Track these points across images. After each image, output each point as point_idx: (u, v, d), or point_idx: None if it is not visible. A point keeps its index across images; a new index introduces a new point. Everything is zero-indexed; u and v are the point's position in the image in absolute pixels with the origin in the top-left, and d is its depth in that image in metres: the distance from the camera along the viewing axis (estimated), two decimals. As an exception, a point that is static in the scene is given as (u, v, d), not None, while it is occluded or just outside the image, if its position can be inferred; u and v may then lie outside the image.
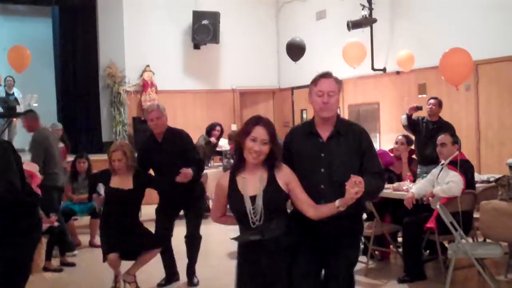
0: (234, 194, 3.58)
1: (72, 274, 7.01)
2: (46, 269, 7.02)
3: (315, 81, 3.84)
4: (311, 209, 3.59)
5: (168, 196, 6.13)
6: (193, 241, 6.25)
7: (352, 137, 3.80)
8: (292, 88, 14.16)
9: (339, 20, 11.48)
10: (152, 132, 6.15)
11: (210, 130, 10.65)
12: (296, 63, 11.83)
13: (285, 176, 3.60)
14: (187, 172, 5.71)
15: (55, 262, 7.19)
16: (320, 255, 3.75)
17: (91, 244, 8.10)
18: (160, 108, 6.06)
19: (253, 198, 3.52)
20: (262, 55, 14.36)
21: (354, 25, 10.80)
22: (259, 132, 3.52)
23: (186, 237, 6.24)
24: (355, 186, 3.38)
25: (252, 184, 3.56)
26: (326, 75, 3.84)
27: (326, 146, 3.77)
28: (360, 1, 10.90)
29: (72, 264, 7.24)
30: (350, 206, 3.49)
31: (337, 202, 3.48)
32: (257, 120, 3.59)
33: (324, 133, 3.81)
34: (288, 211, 3.76)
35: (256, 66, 14.14)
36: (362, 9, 10.89)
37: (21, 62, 10.50)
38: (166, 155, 5.92)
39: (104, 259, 5.82)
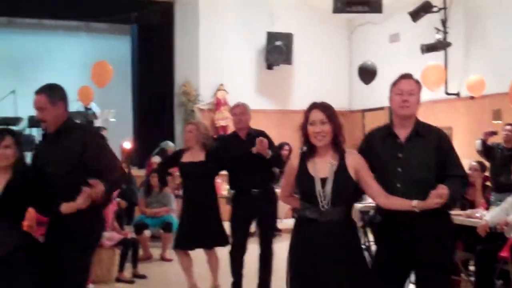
0: (303, 175, 3.63)
1: (143, 286, 7.20)
2: (118, 279, 7.22)
3: (395, 82, 3.87)
4: (382, 197, 3.63)
5: (242, 201, 6.13)
6: (266, 250, 6.16)
7: (431, 138, 3.81)
8: (363, 111, 14.11)
9: (413, 43, 11.41)
10: (232, 133, 6.34)
11: (279, 149, 10.69)
12: (368, 86, 11.83)
13: (355, 162, 3.63)
14: (262, 140, 5.75)
15: (127, 273, 7.39)
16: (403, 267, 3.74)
17: (162, 258, 8.28)
18: (246, 106, 6.22)
19: (323, 180, 3.54)
20: (333, 77, 14.37)
21: (428, 48, 10.73)
22: (316, 114, 3.62)
23: (260, 245, 6.19)
24: (439, 197, 3.38)
25: (322, 167, 3.59)
26: (406, 76, 3.88)
27: (404, 147, 3.79)
28: (434, 24, 10.83)
29: (144, 277, 7.42)
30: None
31: (414, 202, 3.50)
32: (312, 105, 3.70)
33: (402, 133, 3.82)
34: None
35: (328, 88, 14.10)
36: (437, 33, 10.81)
37: (103, 77, 10.87)
38: (248, 151, 5.91)
39: (175, 247, 6.09)
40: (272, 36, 13.39)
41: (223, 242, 6.13)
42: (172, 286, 6.78)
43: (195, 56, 13.32)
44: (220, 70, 13.35)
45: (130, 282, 7.24)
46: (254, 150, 5.78)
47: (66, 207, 3.78)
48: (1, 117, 11.70)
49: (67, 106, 4.30)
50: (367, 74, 11.98)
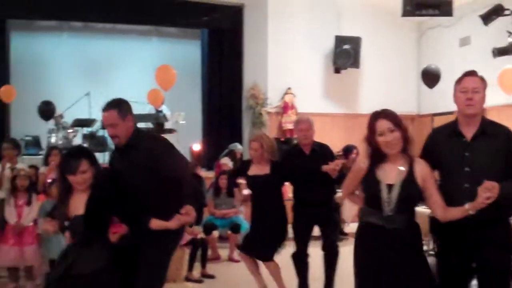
0: (371, 179, 3.63)
1: (211, 285, 7.36)
2: (187, 279, 7.41)
3: (459, 80, 3.83)
4: (440, 210, 3.61)
5: (304, 210, 6.21)
6: (331, 249, 6.25)
7: (499, 137, 3.73)
8: (433, 115, 13.93)
9: (484, 46, 11.24)
10: (297, 143, 6.38)
11: (347, 152, 10.75)
12: (438, 90, 11.70)
13: (423, 172, 3.61)
14: (337, 163, 5.81)
15: (196, 273, 7.57)
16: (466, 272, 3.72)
17: (230, 259, 8.42)
18: (310, 121, 6.26)
19: (389, 187, 3.54)
20: (402, 81, 14.28)
21: (500, 52, 10.53)
22: (382, 124, 3.59)
23: (323, 250, 6.28)
24: (487, 191, 3.32)
25: (390, 173, 3.58)
26: (471, 73, 3.84)
27: (470, 145, 3.74)
28: (507, 27, 10.62)
29: (212, 276, 7.59)
30: (494, 210, 3.41)
31: (467, 205, 3.45)
32: (376, 115, 3.67)
33: (468, 132, 3.77)
34: None
35: (396, 91, 14.04)
36: (508, 36, 10.60)
37: (167, 80, 11.15)
38: (312, 167, 5.99)
39: (240, 248, 6.31)
40: (340, 40, 13.41)
41: (267, 258, 6.15)
42: (240, 286, 6.90)
43: (263, 60, 13.47)
44: (288, 73, 13.46)
45: (199, 281, 7.41)
46: (325, 168, 5.82)
47: (156, 225, 3.92)
48: (76, 119, 12.16)
49: (134, 118, 4.40)
50: (430, 77, 11.89)
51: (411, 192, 3.57)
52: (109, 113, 4.21)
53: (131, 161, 4.18)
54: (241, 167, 6.59)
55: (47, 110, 12.38)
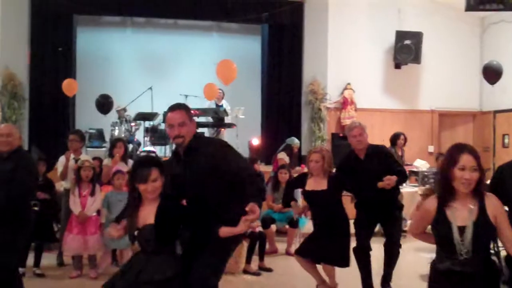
0: (441, 222, 3.46)
1: (269, 278, 7.38)
2: (245, 271, 7.47)
3: None
4: None
5: (366, 208, 6.20)
6: (393, 249, 6.25)
7: None
8: (495, 112, 13.67)
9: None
10: (352, 149, 6.32)
11: (394, 139, 10.79)
12: (500, 86, 11.47)
13: (495, 208, 3.44)
14: (391, 178, 5.79)
15: (254, 265, 7.65)
16: None
17: (288, 253, 8.46)
18: (362, 126, 6.21)
19: (461, 229, 3.38)
20: (463, 77, 14.03)
21: None
22: (467, 159, 3.39)
23: (385, 244, 6.27)
24: None
25: (461, 214, 3.42)
26: None
27: None
28: None
29: (270, 270, 7.64)
30: None
31: None
32: (462, 148, 3.46)
33: None
34: None
35: (457, 88, 13.85)
36: None
37: (228, 75, 11.27)
38: (369, 171, 6.00)
39: (296, 252, 6.23)
40: (401, 35, 13.29)
41: (343, 263, 6.09)
42: (298, 280, 6.93)
43: (323, 55, 13.48)
44: (347, 69, 13.45)
45: (257, 274, 7.47)
46: (380, 185, 5.83)
47: (225, 232, 3.95)
48: (139, 112, 12.43)
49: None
50: (492, 74, 11.68)
51: (485, 232, 3.41)
52: (179, 112, 4.26)
53: (193, 164, 4.20)
54: (298, 180, 6.56)
55: (105, 104, 12.73)
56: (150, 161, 4.07)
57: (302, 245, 6.29)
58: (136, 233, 3.91)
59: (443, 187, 3.50)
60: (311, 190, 6.10)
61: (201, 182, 4.12)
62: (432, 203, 3.54)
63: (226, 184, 4.12)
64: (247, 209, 3.88)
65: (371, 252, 6.23)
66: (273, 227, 8.80)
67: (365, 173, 6.02)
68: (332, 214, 6.05)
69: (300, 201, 8.19)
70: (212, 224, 3.98)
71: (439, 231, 3.48)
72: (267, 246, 8.19)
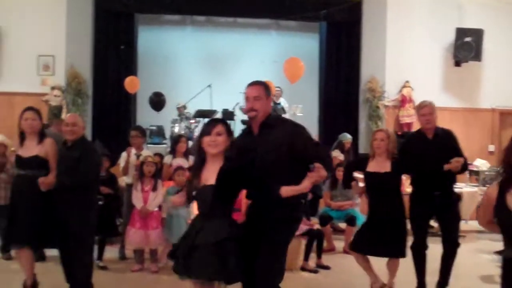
0: (501, 209, 3.40)
1: (326, 276, 7.41)
2: (303, 268, 7.53)
3: None
4: None
5: (422, 200, 6.13)
6: (451, 247, 6.13)
7: None
8: (557, 111, 13.34)
9: None
10: (419, 129, 6.31)
11: None
12: None
13: None
14: (459, 160, 5.75)
15: (311, 263, 7.69)
16: None
17: (345, 251, 8.46)
18: (432, 105, 6.19)
19: None
20: (526, 75, 13.72)
21: None
22: None
23: (443, 242, 6.17)
24: None
25: None
26: None
27: None
28: None
29: (327, 267, 7.67)
30: None
31: None
32: None
33: None
34: None
35: (520, 86, 13.57)
36: None
37: (295, 72, 11.31)
38: (435, 151, 5.95)
39: (351, 248, 6.24)
40: (461, 32, 13.07)
41: (400, 254, 6.05)
42: (355, 278, 6.92)
43: (381, 53, 13.38)
44: (406, 66, 13.29)
45: (314, 271, 7.51)
46: (446, 167, 5.78)
47: (287, 191, 3.90)
48: (198, 110, 12.62)
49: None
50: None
51: None
52: (257, 86, 4.37)
53: (267, 140, 4.23)
54: (359, 161, 6.56)
55: (158, 101, 12.99)
56: (218, 119, 4.30)
57: (356, 239, 6.28)
58: (194, 193, 4.02)
59: (505, 173, 3.47)
60: (373, 171, 6.08)
61: (271, 158, 4.14)
62: (493, 189, 3.50)
63: (296, 164, 4.14)
64: (313, 168, 3.90)
65: (427, 251, 6.19)
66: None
67: (431, 153, 5.97)
68: (391, 199, 6.02)
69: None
70: (273, 185, 3.95)
71: (501, 219, 3.44)
72: (325, 244, 8.22)
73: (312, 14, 13.64)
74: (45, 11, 12.40)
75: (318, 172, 3.90)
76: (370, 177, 6.11)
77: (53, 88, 12.21)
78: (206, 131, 4.03)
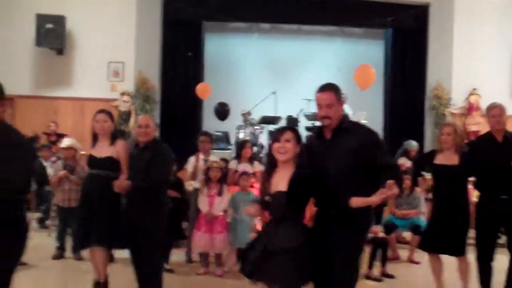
0: None
1: (391, 285, 7.33)
2: (367, 277, 7.46)
3: None
4: None
5: (489, 207, 5.96)
6: None
7: None
8: None
9: None
10: (489, 131, 6.14)
11: None
12: None
13: None
14: None
15: (376, 271, 7.62)
16: None
17: (410, 260, 8.36)
18: (502, 106, 6.02)
19: None
20: None
21: None
22: None
23: (510, 252, 5.96)
24: None
25: None
26: None
27: None
28: None
29: (392, 276, 7.57)
30: None
31: None
32: None
33: None
34: None
35: None
36: None
37: (366, 79, 11.26)
38: (506, 155, 5.81)
39: (420, 247, 6.23)
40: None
41: (458, 252, 5.98)
42: None
43: (448, 59, 13.20)
44: (473, 73, 13.07)
45: (379, 280, 7.42)
46: None
47: (357, 202, 3.92)
48: (263, 116, 12.73)
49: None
50: None
51: None
52: (328, 93, 4.26)
53: (339, 145, 4.20)
54: (427, 155, 6.48)
55: (222, 111, 13.17)
56: (288, 126, 4.35)
57: (424, 238, 6.27)
58: (267, 198, 4.06)
59: None
60: (440, 164, 6.01)
61: (343, 166, 4.09)
62: None
63: (366, 172, 4.12)
64: (386, 185, 3.85)
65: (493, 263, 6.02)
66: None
67: (499, 156, 5.84)
68: (457, 194, 5.96)
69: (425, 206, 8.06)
70: (344, 195, 3.96)
71: None
72: (389, 252, 8.15)
73: (378, 21, 13.59)
74: (115, 20, 12.78)
75: (390, 189, 3.86)
76: (438, 169, 6.06)
77: (122, 94, 12.58)
78: (275, 137, 4.10)
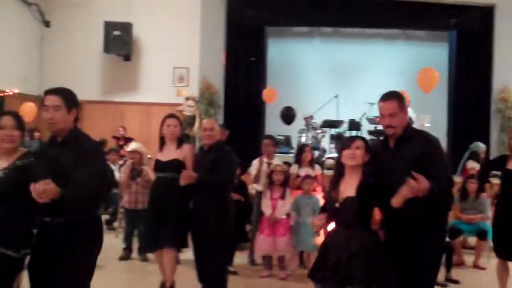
0: None
1: (456, 291, 7.26)
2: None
3: None
4: None
5: None
6: None
7: None
8: None
9: None
10: None
11: None
12: None
13: None
14: None
15: (440, 276, 7.46)
16: None
17: (475, 265, 8.23)
18: None
19: None
20: None
21: None
22: None
23: None
24: None
25: None
26: None
27: None
28: None
29: (457, 282, 7.44)
30: None
31: None
32: None
33: None
34: None
35: None
36: None
37: (429, 82, 11.09)
38: None
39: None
40: None
41: None
42: (487, 295, 6.75)
43: (516, 62, 12.92)
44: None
45: (443, 285, 7.29)
46: None
47: (396, 201, 3.90)
48: (325, 120, 12.74)
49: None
50: None
51: None
52: (390, 103, 4.21)
53: (403, 153, 4.18)
54: (498, 160, 6.35)
55: (288, 115, 13.25)
56: (358, 136, 4.53)
57: (493, 243, 6.16)
58: (337, 205, 4.13)
59: None
60: (510, 169, 5.89)
61: (406, 173, 3.98)
62: None
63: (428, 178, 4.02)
64: (415, 175, 3.78)
65: None
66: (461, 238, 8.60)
67: None
68: None
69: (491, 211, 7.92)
70: (409, 204, 3.91)
71: None
72: (454, 257, 8.04)
73: (442, 23, 13.42)
74: (180, 26, 13.08)
75: (417, 182, 3.77)
76: (509, 175, 5.93)
77: (187, 98, 12.79)
78: (345, 145, 4.20)
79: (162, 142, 6.05)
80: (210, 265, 5.76)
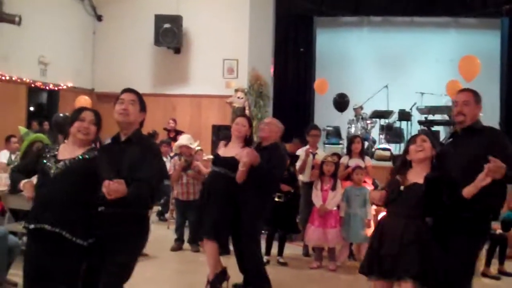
0: None
1: (509, 283, 7.13)
2: (484, 274, 7.28)
3: None
4: None
5: None
6: None
7: None
8: None
9: None
10: None
11: None
12: None
13: None
14: None
15: (493, 269, 7.44)
16: None
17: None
18: None
19: None
20: None
21: None
22: None
23: None
24: None
25: None
26: None
27: None
28: None
29: (510, 274, 7.30)
30: None
31: None
32: None
33: None
34: None
35: None
36: None
37: (471, 71, 10.97)
38: None
39: None
40: None
41: None
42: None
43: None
44: None
45: (496, 278, 7.24)
46: None
47: (470, 191, 3.95)
48: (375, 110, 12.66)
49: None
50: None
51: None
52: (466, 93, 4.41)
53: (466, 149, 4.26)
54: None
55: (341, 102, 13.20)
56: (423, 130, 4.49)
57: None
58: (402, 188, 4.23)
59: None
60: None
61: (467, 161, 4.14)
62: None
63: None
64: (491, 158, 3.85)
65: None
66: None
67: None
68: None
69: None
70: (456, 190, 4.03)
71: None
72: (508, 250, 7.92)
73: (493, 10, 13.16)
74: (229, 18, 13.13)
75: (495, 163, 3.81)
76: None
77: (236, 90, 12.85)
78: (411, 141, 4.38)
79: (228, 139, 6.08)
80: (245, 254, 5.86)
